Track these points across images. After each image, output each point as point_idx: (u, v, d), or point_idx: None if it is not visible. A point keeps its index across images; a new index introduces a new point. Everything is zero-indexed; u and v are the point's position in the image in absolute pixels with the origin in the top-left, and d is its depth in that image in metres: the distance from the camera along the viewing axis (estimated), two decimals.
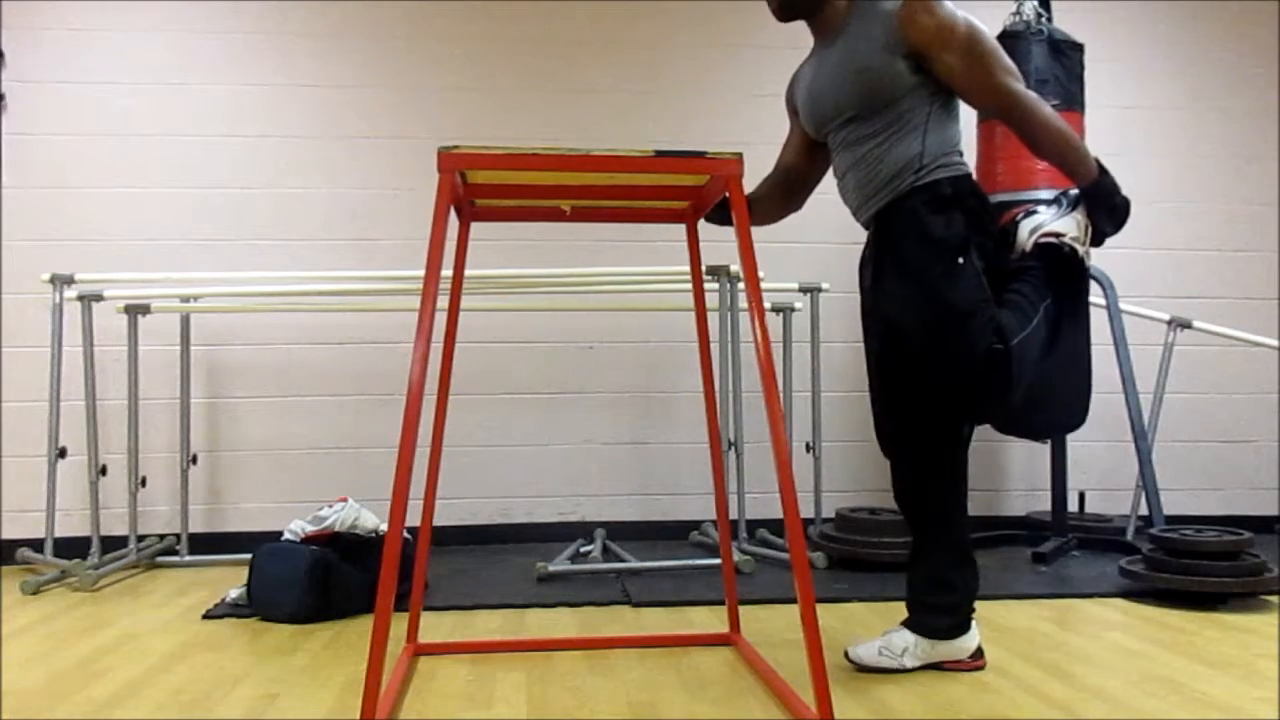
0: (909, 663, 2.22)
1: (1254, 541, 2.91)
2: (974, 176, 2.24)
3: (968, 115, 2.34)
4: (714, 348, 3.36)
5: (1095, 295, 3.82)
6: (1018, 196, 3.42)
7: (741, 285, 3.51)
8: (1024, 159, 3.29)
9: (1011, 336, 2.06)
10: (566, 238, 3.98)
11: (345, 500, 3.07)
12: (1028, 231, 2.17)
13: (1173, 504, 3.96)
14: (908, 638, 2.23)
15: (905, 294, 2.15)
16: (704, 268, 2.92)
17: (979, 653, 2.26)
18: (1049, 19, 3.59)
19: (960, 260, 2.10)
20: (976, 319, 2.07)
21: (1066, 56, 3.54)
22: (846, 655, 2.26)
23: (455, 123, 4.04)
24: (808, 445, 3.82)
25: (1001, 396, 2.09)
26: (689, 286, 2.92)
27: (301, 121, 4.00)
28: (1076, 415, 3.57)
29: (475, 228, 2.43)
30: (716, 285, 3.55)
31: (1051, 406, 3.47)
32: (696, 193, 2.24)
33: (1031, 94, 2.10)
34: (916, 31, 2.07)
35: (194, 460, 3.76)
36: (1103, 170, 2.10)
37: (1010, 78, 2.09)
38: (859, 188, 2.23)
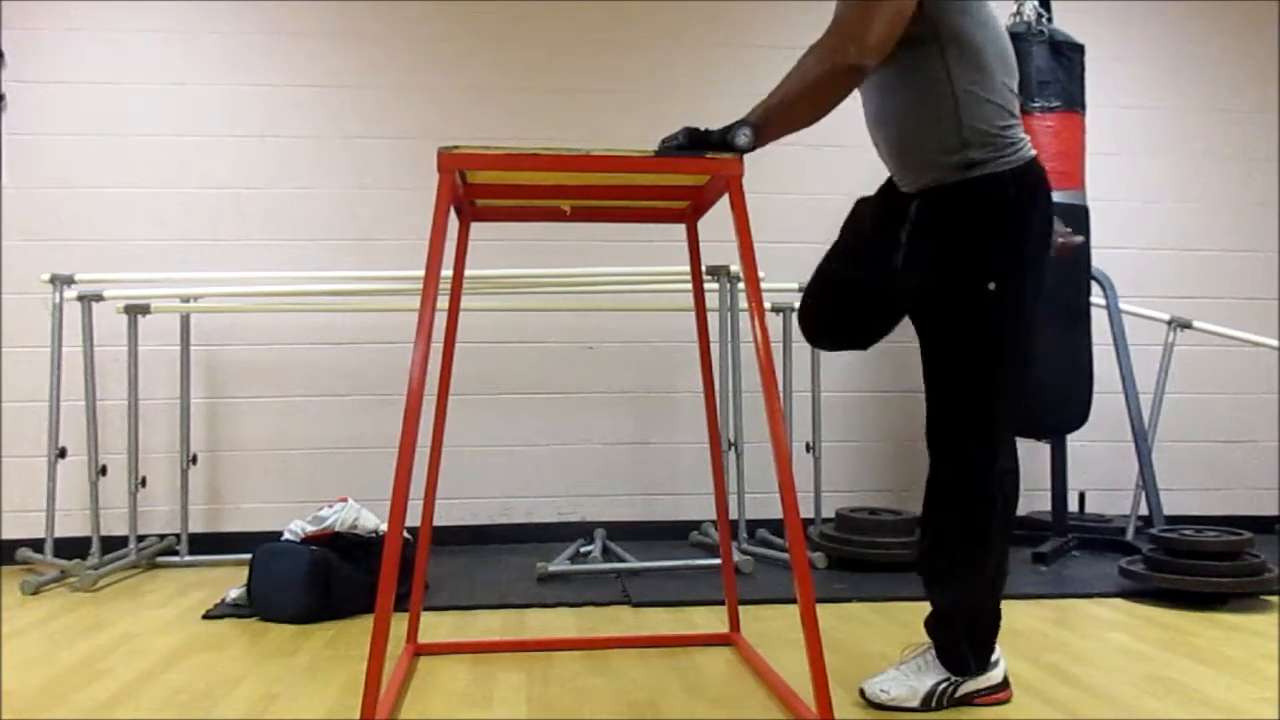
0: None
1: (1254, 541, 2.91)
2: (1037, 159, 1.95)
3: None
4: (714, 348, 3.35)
5: (1095, 295, 3.83)
6: None
7: (741, 285, 3.50)
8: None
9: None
10: (566, 238, 3.98)
11: (345, 500, 3.07)
12: None
13: (1173, 504, 3.96)
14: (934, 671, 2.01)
15: (942, 304, 1.95)
16: (704, 268, 2.92)
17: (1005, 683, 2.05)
18: (1049, 19, 3.59)
19: (994, 284, 1.87)
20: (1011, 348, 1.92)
21: (1067, 57, 3.53)
22: (862, 693, 2.03)
23: (455, 123, 4.03)
24: (808, 445, 3.82)
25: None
26: (689, 286, 2.92)
27: (301, 121, 4.00)
28: (1075, 416, 3.59)
29: (475, 228, 2.43)
30: (716, 285, 3.55)
31: (1054, 407, 3.48)
32: (696, 193, 2.24)
33: (840, 48, 1.79)
34: None
35: (194, 460, 3.76)
36: (744, 144, 1.86)
37: (854, 26, 1.78)
38: (891, 154, 2.03)
